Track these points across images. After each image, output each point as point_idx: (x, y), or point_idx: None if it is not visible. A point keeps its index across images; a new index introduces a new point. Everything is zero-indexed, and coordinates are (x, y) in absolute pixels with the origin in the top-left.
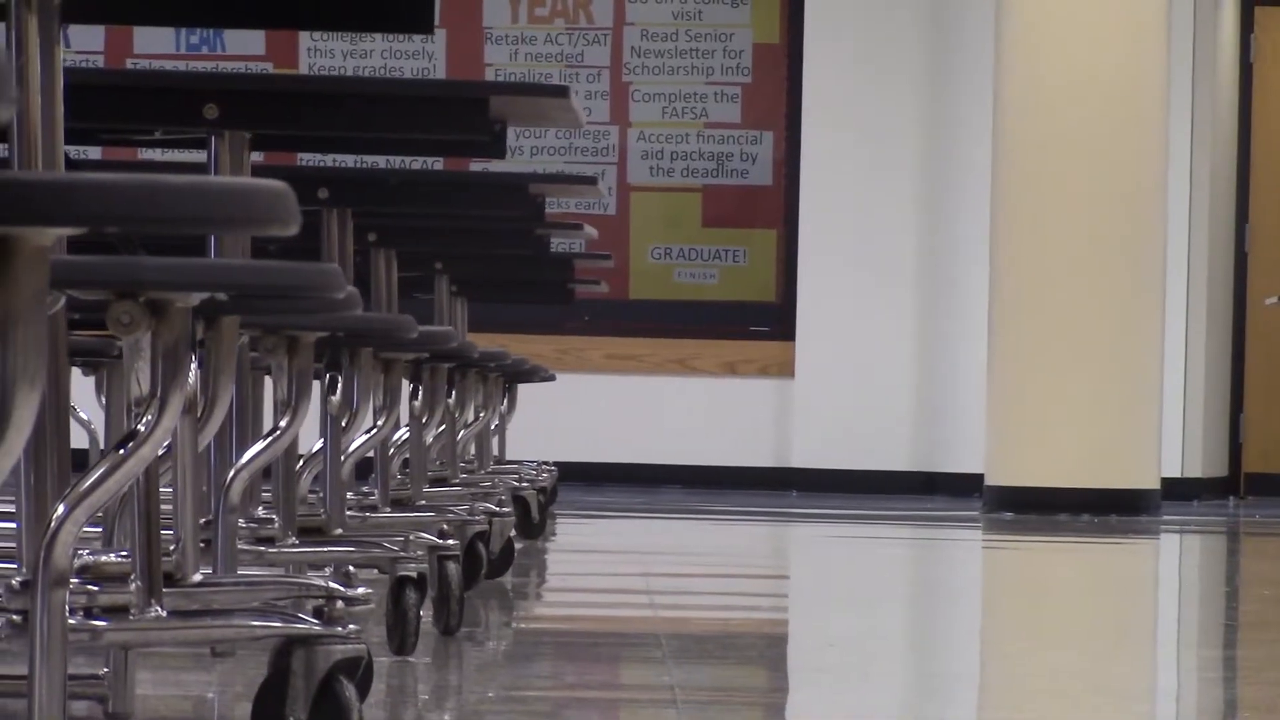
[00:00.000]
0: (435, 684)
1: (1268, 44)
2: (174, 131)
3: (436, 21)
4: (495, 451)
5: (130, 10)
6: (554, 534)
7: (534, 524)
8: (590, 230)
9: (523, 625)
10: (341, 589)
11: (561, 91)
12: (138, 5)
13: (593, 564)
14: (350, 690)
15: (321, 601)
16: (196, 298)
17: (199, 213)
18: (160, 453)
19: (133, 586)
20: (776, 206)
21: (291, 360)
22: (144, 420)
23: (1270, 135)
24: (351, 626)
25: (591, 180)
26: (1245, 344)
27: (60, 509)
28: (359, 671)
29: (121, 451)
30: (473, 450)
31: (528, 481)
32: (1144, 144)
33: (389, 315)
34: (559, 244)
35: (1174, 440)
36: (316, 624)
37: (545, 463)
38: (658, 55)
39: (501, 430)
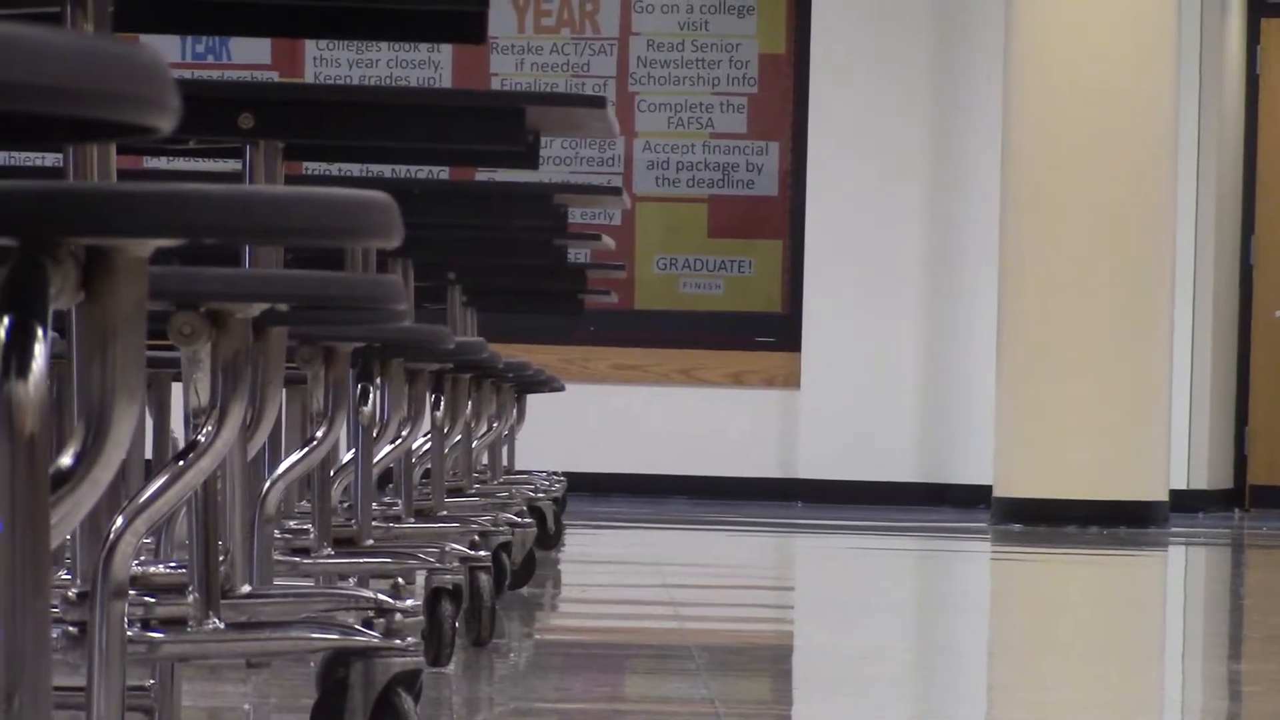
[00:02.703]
0: (472, 696)
1: (1274, 56)
2: (208, 141)
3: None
4: (504, 462)
5: (181, 19)
6: (564, 545)
7: (549, 535)
8: (608, 240)
9: (551, 637)
10: (391, 601)
11: (598, 102)
12: (189, 14)
13: (611, 575)
14: (409, 703)
15: (370, 613)
16: (257, 308)
17: (303, 224)
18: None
19: (190, 599)
20: (782, 217)
21: (328, 371)
22: (203, 431)
23: (1276, 147)
24: (410, 639)
25: (616, 190)
26: (1250, 356)
27: (119, 520)
28: (417, 684)
29: (181, 463)
30: (484, 460)
31: (543, 492)
32: (1153, 157)
33: (426, 326)
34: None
35: (1180, 452)
36: (375, 636)
37: (555, 473)
38: (663, 65)
39: (511, 440)
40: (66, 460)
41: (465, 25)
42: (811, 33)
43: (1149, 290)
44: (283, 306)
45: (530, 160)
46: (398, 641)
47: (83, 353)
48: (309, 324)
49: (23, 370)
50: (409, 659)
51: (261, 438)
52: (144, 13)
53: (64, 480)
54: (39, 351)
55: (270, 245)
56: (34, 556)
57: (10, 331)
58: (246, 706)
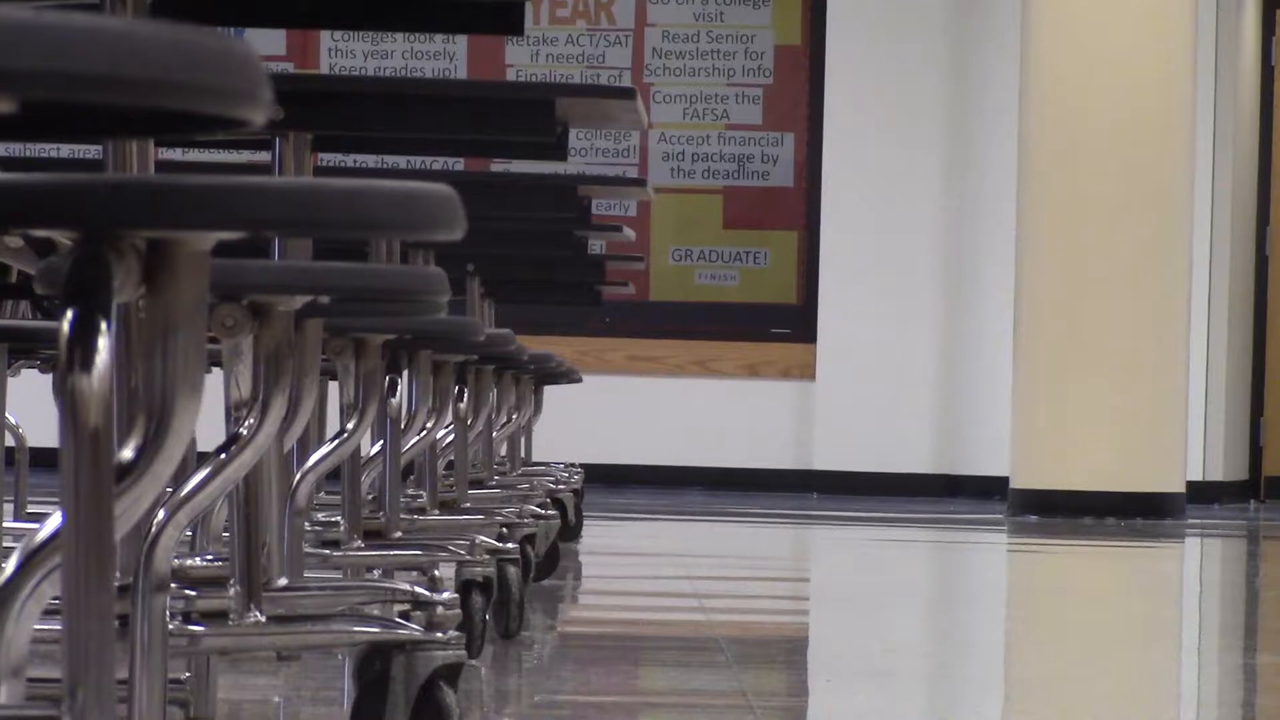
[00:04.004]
0: (504, 689)
1: None
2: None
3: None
4: (521, 453)
5: (221, 12)
6: (581, 536)
7: (569, 526)
8: (629, 232)
9: (579, 629)
10: (429, 594)
11: (628, 93)
12: (229, 6)
13: (633, 567)
14: (451, 697)
15: (407, 606)
16: (299, 301)
17: (366, 218)
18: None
19: (232, 591)
20: (798, 208)
21: (359, 363)
22: (245, 424)
23: None
24: (452, 632)
25: (641, 182)
26: (1266, 347)
27: (161, 514)
28: (459, 677)
29: (223, 455)
30: (502, 451)
31: (562, 483)
32: (1169, 149)
33: (459, 318)
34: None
35: (1195, 443)
36: (418, 630)
37: (572, 464)
38: (679, 57)
39: (528, 432)
40: (128, 453)
41: (503, 16)
42: (827, 24)
43: (1165, 281)
44: (325, 299)
45: (559, 152)
46: (440, 634)
47: (144, 346)
48: (349, 316)
49: (86, 364)
50: (451, 652)
51: (298, 430)
52: (184, 3)
53: (126, 473)
54: (103, 345)
55: (336, 238)
56: (98, 550)
57: (74, 325)
58: (277, 699)
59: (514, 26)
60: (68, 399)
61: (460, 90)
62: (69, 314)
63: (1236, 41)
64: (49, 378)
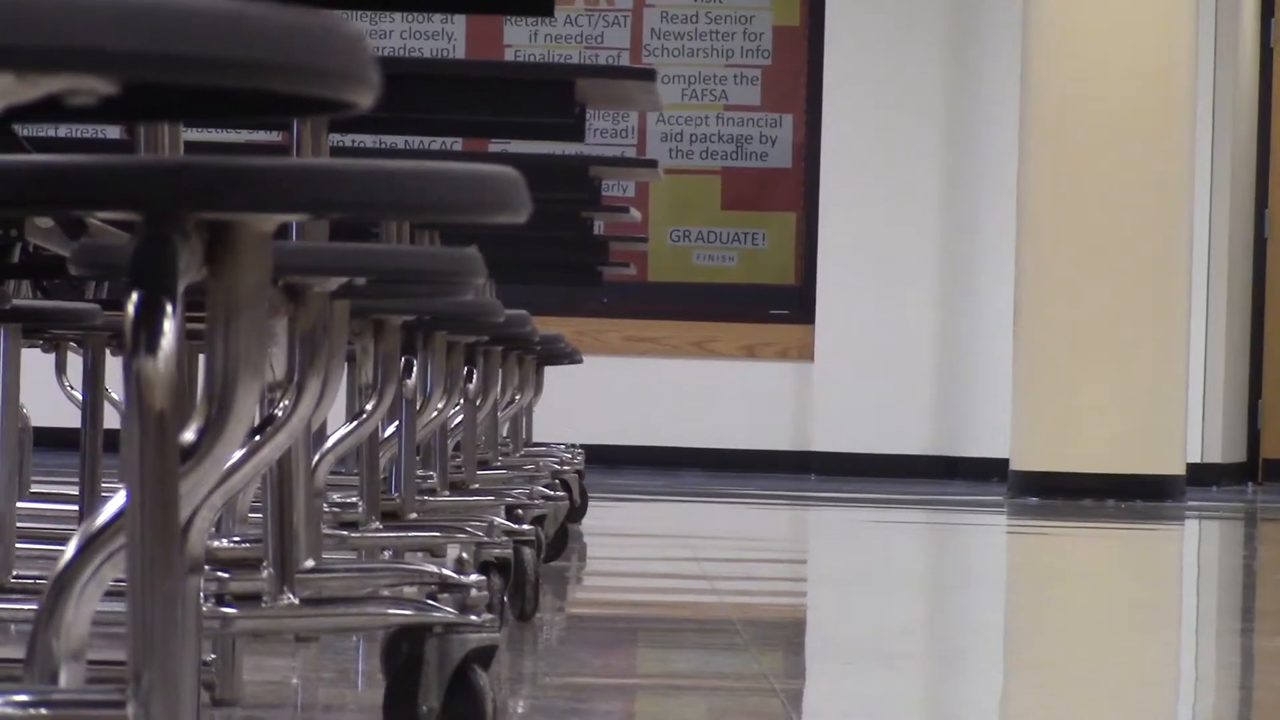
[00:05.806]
0: (522, 671)
1: None
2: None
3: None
4: (523, 434)
5: None
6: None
7: (574, 507)
8: (635, 213)
9: (593, 611)
10: (457, 576)
11: (647, 74)
12: None
13: (639, 548)
14: (485, 680)
15: (434, 587)
16: (335, 282)
17: (437, 200)
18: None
19: (265, 574)
20: (796, 189)
21: (378, 344)
22: (280, 406)
23: None
24: (486, 615)
25: (652, 163)
26: (1264, 330)
27: None
28: (492, 661)
29: (258, 437)
30: (504, 432)
31: (566, 464)
32: (1169, 131)
33: (479, 300)
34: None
35: (1194, 426)
36: (452, 612)
37: (573, 445)
38: (678, 37)
39: (528, 412)
40: (190, 436)
41: None
42: (826, 5)
43: (1165, 263)
44: (360, 280)
45: (576, 133)
46: (474, 617)
47: (207, 329)
48: (376, 297)
49: (152, 346)
50: (485, 635)
51: (325, 411)
52: None
53: (187, 456)
54: (169, 328)
55: (406, 221)
56: (163, 533)
57: (139, 308)
58: (295, 681)
59: (544, 7)
60: (133, 382)
61: (480, 71)
62: (134, 297)
63: (1236, 23)
64: (51, 357)
